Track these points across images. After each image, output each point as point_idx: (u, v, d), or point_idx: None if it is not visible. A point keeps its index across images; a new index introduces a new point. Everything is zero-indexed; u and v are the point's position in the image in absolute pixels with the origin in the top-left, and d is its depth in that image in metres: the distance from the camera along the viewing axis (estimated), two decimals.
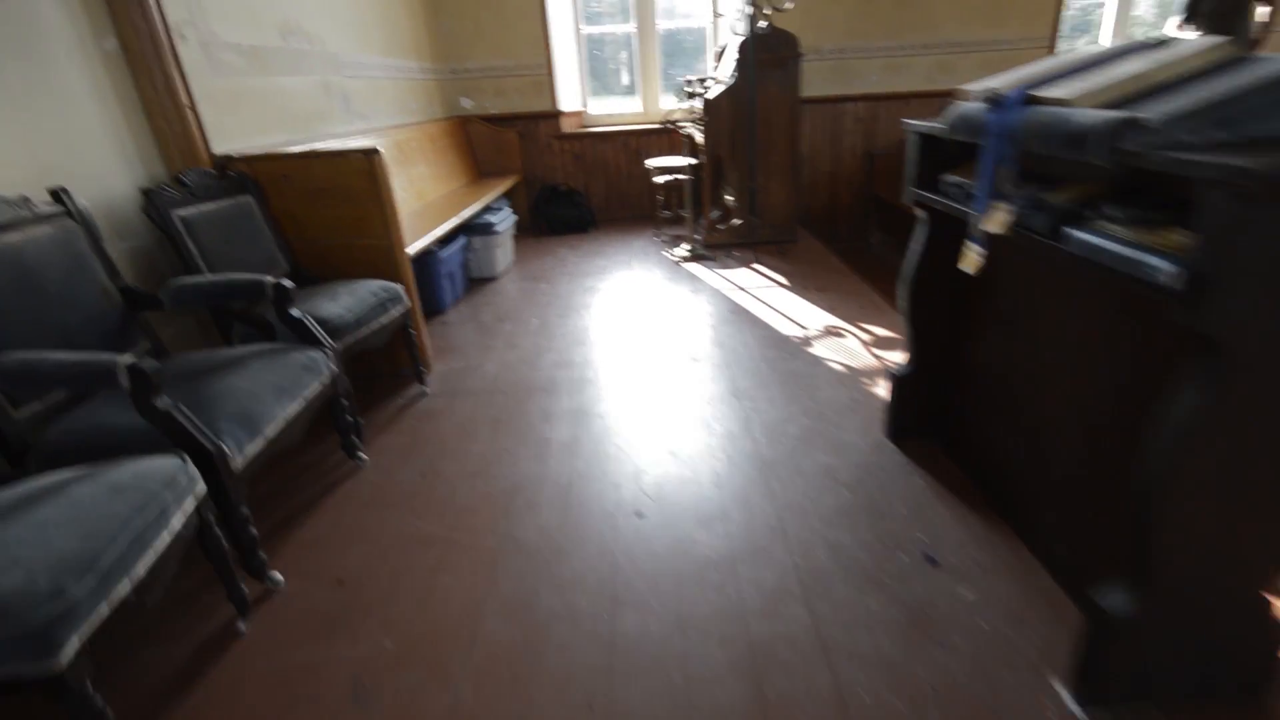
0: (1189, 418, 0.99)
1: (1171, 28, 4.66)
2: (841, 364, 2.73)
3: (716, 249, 4.48)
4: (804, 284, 3.76)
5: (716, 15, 5.14)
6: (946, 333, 1.99)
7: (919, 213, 1.89)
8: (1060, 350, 1.50)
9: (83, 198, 1.84)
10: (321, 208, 2.50)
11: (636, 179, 5.39)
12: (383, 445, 2.30)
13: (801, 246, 4.57)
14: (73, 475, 1.24)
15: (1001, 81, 1.44)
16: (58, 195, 1.73)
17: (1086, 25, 5.51)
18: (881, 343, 2.91)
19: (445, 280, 3.54)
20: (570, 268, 4.31)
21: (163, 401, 1.38)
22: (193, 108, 2.29)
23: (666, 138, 5.18)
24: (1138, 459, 1.06)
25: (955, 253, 1.79)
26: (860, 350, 2.85)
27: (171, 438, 1.39)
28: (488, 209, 4.17)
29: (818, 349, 2.89)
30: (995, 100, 1.38)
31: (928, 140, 1.74)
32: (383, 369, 2.79)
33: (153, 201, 2.01)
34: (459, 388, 2.71)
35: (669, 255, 4.42)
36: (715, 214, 4.48)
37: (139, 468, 1.28)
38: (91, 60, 2.01)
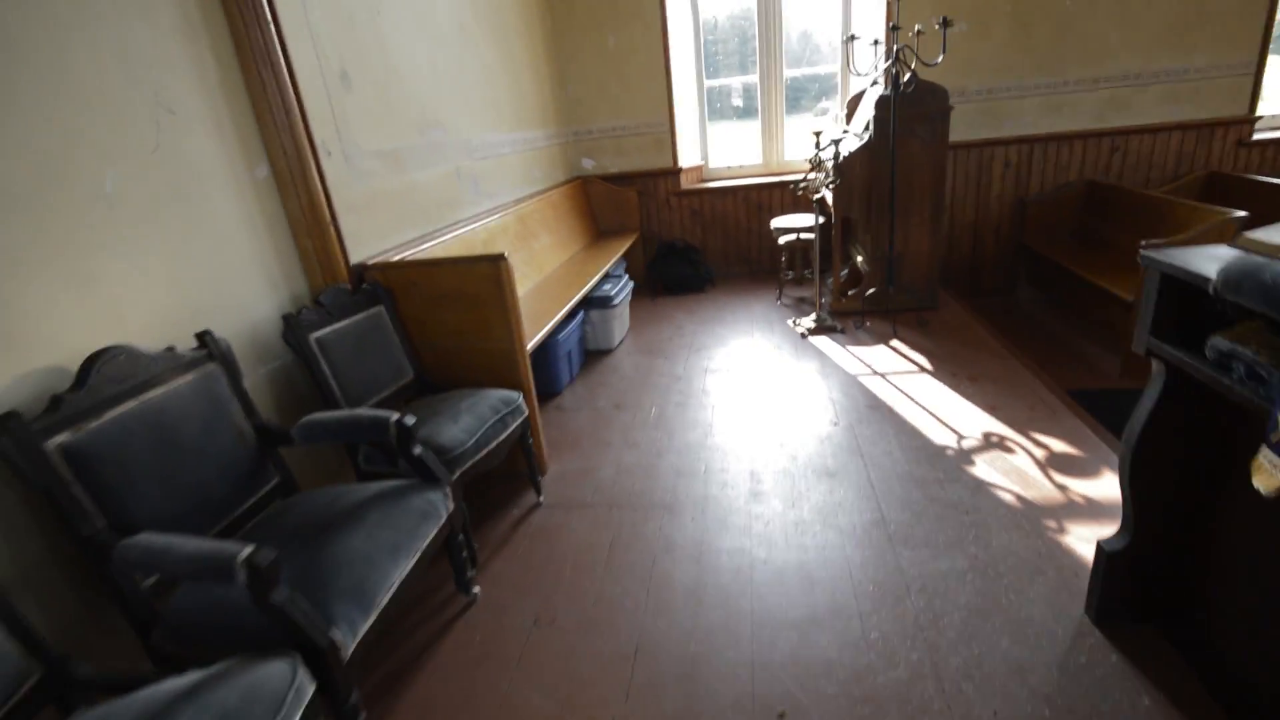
0: None
1: None
2: (1014, 494, 2.28)
3: (845, 317, 4.09)
4: (953, 369, 3.28)
5: (852, 72, 4.77)
6: (1180, 503, 1.55)
7: (1154, 362, 1.47)
8: None
9: (226, 331, 1.84)
10: (447, 312, 2.43)
11: (756, 234, 5.10)
12: (496, 573, 2.16)
13: (944, 314, 4.06)
14: (181, 689, 1.16)
15: None
16: (202, 339, 1.73)
17: None
18: (1062, 464, 2.42)
19: (563, 362, 3.43)
20: (688, 338, 4.08)
21: (278, 595, 1.28)
22: (334, 221, 2.30)
23: (790, 190, 4.85)
24: None
25: (1197, 413, 1.38)
26: (1036, 474, 2.38)
27: (286, 634, 1.29)
28: (606, 277, 4.05)
29: (981, 469, 2.45)
30: None
31: (1173, 282, 1.34)
32: (498, 476, 2.69)
33: (291, 328, 2.00)
34: (575, 498, 2.54)
35: (793, 325, 4.07)
36: (843, 274, 4.08)
37: (250, 682, 1.17)
38: (244, 190, 2.04)
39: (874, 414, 2.92)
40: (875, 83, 3.83)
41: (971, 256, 4.78)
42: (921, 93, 3.60)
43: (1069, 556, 1.97)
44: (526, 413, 2.40)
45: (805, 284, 4.70)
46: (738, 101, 5.37)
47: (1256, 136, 4.26)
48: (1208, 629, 1.52)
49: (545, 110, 4.56)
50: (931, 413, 2.89)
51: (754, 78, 5.05)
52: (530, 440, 2.44)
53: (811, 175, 3.74)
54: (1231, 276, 1.13)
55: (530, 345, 2.69)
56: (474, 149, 3.45)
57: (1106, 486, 2.26)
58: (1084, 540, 2.03)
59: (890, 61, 3.51)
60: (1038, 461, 2.45)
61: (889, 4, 4.15)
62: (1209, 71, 4.18)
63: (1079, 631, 1.72)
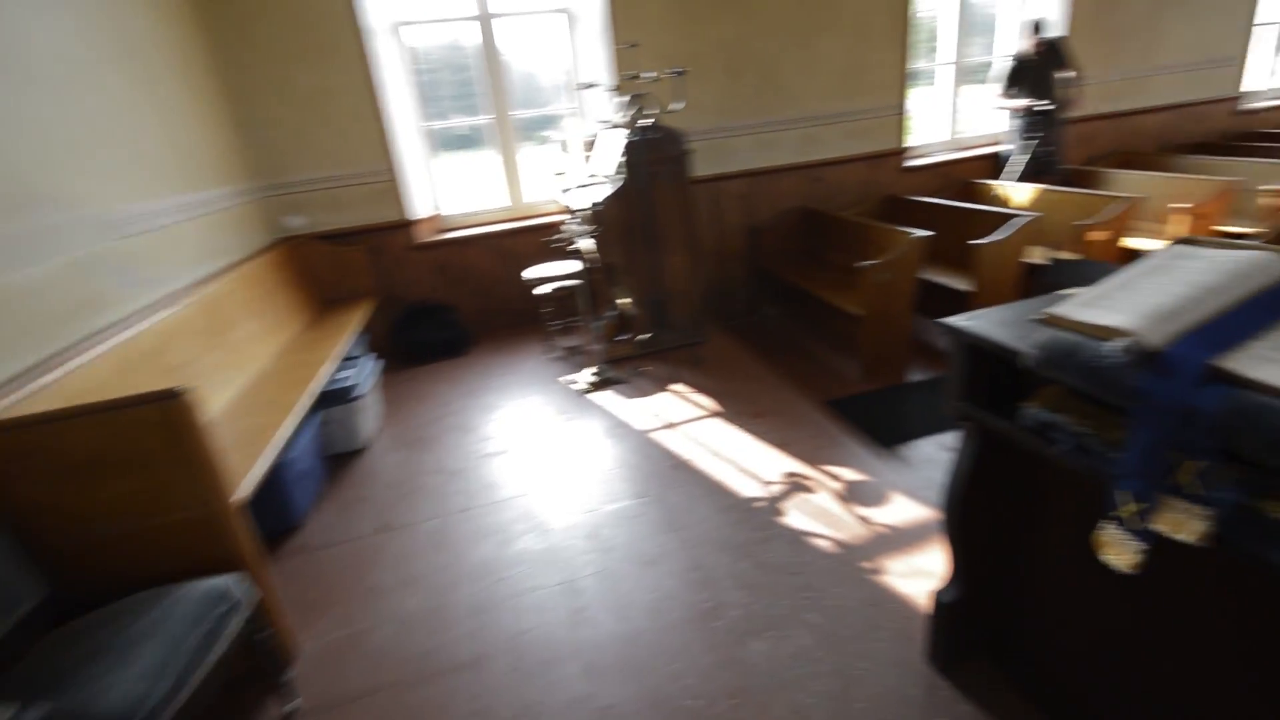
0: None
1: (994, 97, 4.94)
2: (829, 540, 2.29)
3: (621, 364, 3.96)
4: (738, 406, 3.33)
5: (587, 117, 4.70)
6: (1003, 549, 1.60)
7: (967, 424, 1.48)
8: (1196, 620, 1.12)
9: None
10: (97, 484, 1.63)
11: (512, 284, 4.75)
12: None
13: (714, 347, 4.18)
14: None
15: (1128, 317, 1.05)
16: None
17: (923, 76, 5.79)
18: (858, 495, 2.52)
19: (298, 485, 2.67)
20: (456, 415, 3.55)
21: None
22: None
23: (543, 239, 4.61)
24: None
25: (1010, 465, 1.41)
26: (840, 512, 2.43)
27: None
28: (343, 361, 3.33)
29: (793, 518, 2.43)
30: (1148, 357, 0.98)
31: (979, 352, 1.34)
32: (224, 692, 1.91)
33: None
34: (344, 688, 1.90)
35: (571, 383, 3.81)
36: (609, 316, 3.95)
37: None
38: None
39: (678, 476, 2.78)
40: (615, 126, 3.77)
41: (720, 281, 5.07)
42: (664, 139, 3.63)
43: (895, 600, 1.99)
44: (255, 596, 1.71)
45: (575, 332, 4.49)
46: (466, 132, 4.99)
47: (910, 163, 5.23)
48: (1042, 664, 1.59)
49: (226, 162, 3.63)
50: (732, 462, 2.84)
51: (484, 119, 4.70)
52: (267, 632, 1.75)
53: (566, 225, 3.53)
54: (1052, 356, 1.11)
55: (246, 491, 1.97)
56: (116, 224, 2.51)
57: (898, 511, 2.40)
58: (902, 576, 2.08)
59: (635, 109, 3.46)
60: (838, 497, 2.53)
61: (617, 53, 4.17)
62: (872, 112, 5.01)
63: (929, 686, 1.71)
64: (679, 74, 3.76)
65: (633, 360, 4.01)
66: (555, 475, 2.88)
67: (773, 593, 2.08)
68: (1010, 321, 1.32)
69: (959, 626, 1.69)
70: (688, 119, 4.38)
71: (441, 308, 4.50)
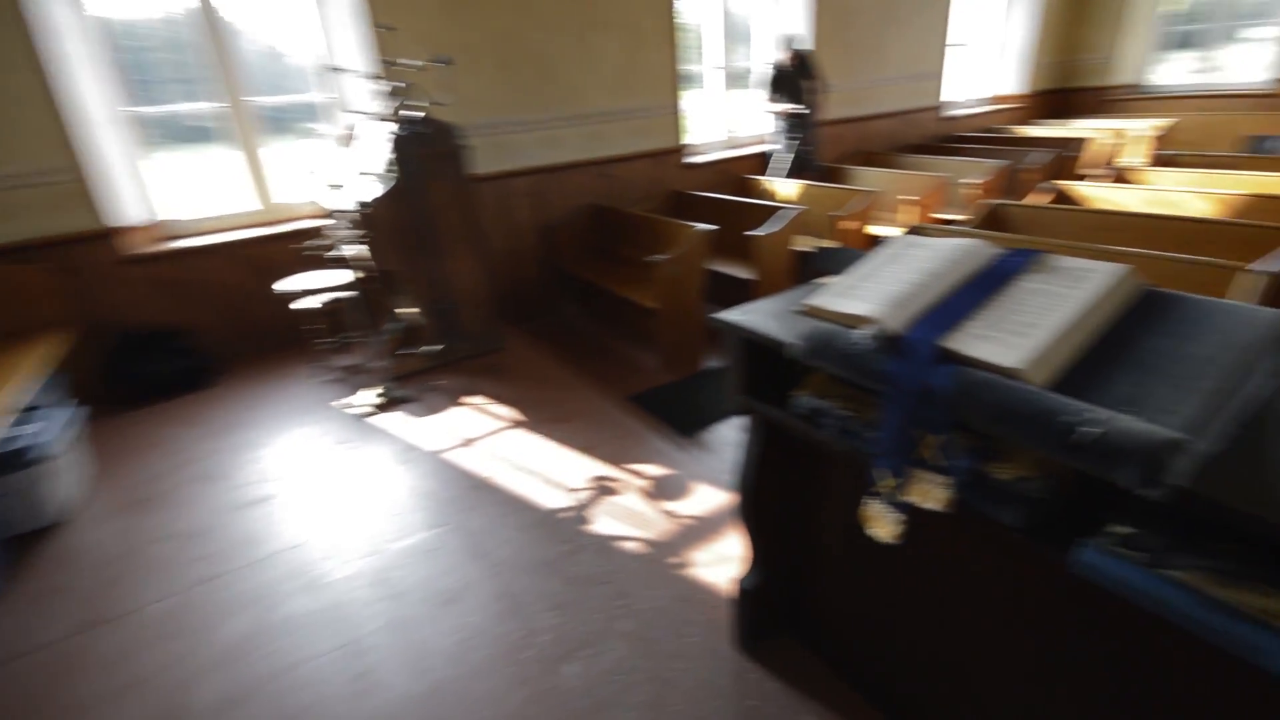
0: None
1: (762, 102, 5.42)
2: (638, 540, 2.28)
3: (409, 380, 3.63)
4: (540, 414, 3.21)
5: (344, 107, 4.19)
6: (796, 529, 1.68)
7: (752, 416, 1.52)
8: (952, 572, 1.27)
9: None
10: None
11: (269, 300, 4.11)
12: None
13: (512, 353, 4.01)
14: None
15: (873, 305, 1.11)
16: None
17: (694, 80, 6.15)
18: (663, 490, 2.55)
19: None
20: (196, 463, 2.95)
21: None
22: None
23: (301, 248, 4.04)
24: None
25: (794, 450, 1.48)
26: (647, 510, 2.44)
27: None
28: (21, 416, 2.58)
29: (601, 523, 2.38)
30: (890, 342, 1.04)
31: (753, 345, 1.36)
32: None
33: None
34: None
35: (348, 406, 3.39)
36: (392, 328, 3.59)
37: None
38: None
39: (480, 497, 2.59)
40: (379, 118, 3.41)
41: (515, 284, 4.91)
42: (435, 133, 3.36)
43: (704, 591, 2.03)
44: None
45: (351, 349, 4.01)
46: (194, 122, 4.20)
47: (690, 160, 5.53)
48: (840, 633, 1.70)
49: None
50: (537, 473, 2.72)
51: (212, 106, 3.98)
52: None
53: (328, 229, 3.11)
54: (813, 346, 1.15)
55: None
56: None
57: (702, 501, 2.46)
58: (708, 566, 2.13)
59: (398, 100, 3.14)
60: (644, 495, 2.53)
61: (377, 36, 3.76)
62: (651, 111, 5.19)
63: (738, 671, 1.75)
64: (446, 63, 3.50)
65: (423, 375, 3.69)
66: (334, 517, 2.51)
67: (584, 608, 2.01)
68: (779, 313, 1.37)
69: (762, 609, 1.76)
70: (464, 113, 4.14)
71: (171, 333, 3.73)
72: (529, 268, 4.93)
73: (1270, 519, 0.68)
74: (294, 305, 3.49)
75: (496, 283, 4.64)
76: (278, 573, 2.24)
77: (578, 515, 2.44)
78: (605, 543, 2.28)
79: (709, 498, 2.48)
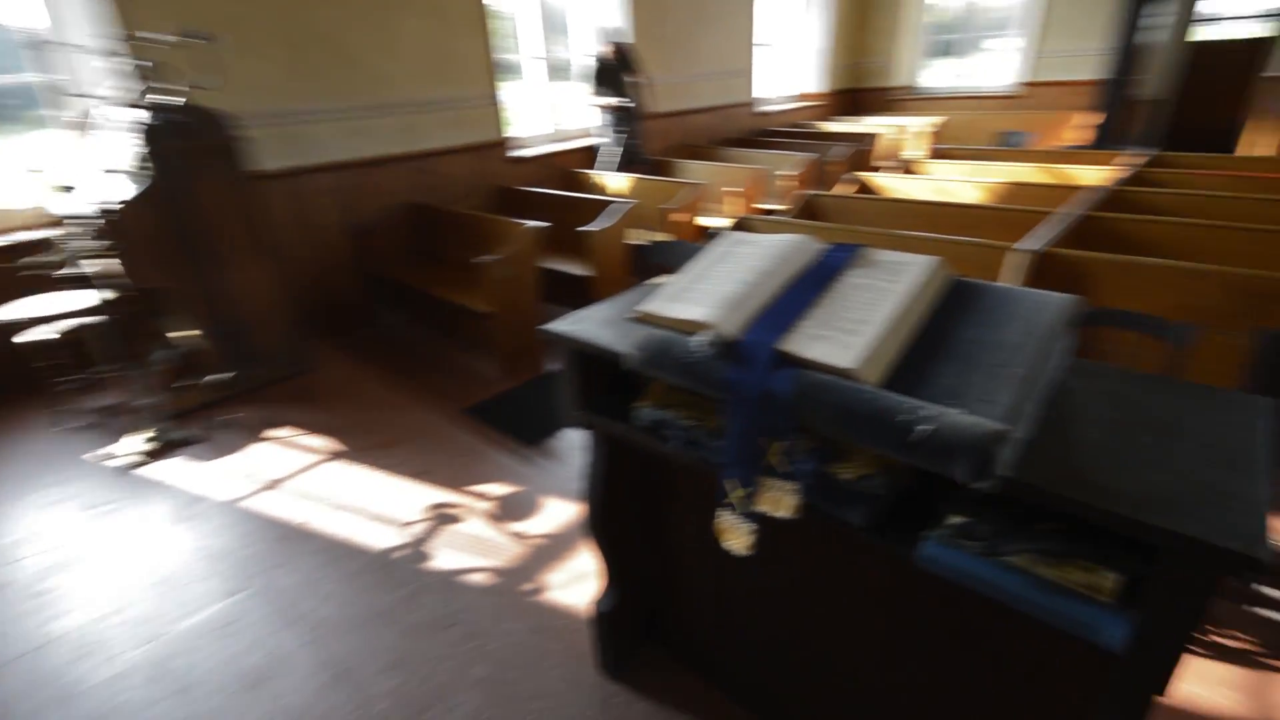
0: None
1: (587, 95, 5.37)
2: (486, 571, 2.10)
3: (193, 415, 3.08)
4: (362, 440, 2.87)
5: (55, 76, 3.42)
6: (652, 542, 1.62)
7: (592, 432, 1.42)
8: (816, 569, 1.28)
9: None
10: None
11: None
12: None
13: (326, 373, 3.57)
14: None
15: (707, 308, 1.06)
16: None
17: (514, 70, 5.94)
18: (510, 510, 2.39)
19: None
20: None
21: None
22: None
23: (22, 257, 3.26)
24: None
25: (641, 460, 1.42)
26: (494, 535, 2.26)
27: None
28: None
29: (443, 558, 2.17)
30: (728, 348, 0.99)
31: (585, 356, 1.26)
32: None
33: None
34: None
35: (106, 458, 2.79)
36: (163, 356, 3.01)
37: None
38: None
39: (289, 549, 2.24)
40: (123, 105, 2.82)
41: (322, 295, 4.40)
42: (199, 120, 2.85)
43: (562, 616, 1.91)
44: None
45: (106, 386, 3.31)
46: None
47: (515, 154, 5.32)
48: (707, 641, 1.67)
49: None
50: (361, 511, 2.42)
51: None
52: None
53: (61, 241, 2.51)
54: (649, 355, 1.07)
55: None
56: None
57: (552, 516, 2.34)
58: (564, 588, 2.02)
59: (145, 84, 2.61)
60: (490, 518, 2.35)
61: (115, 3, 3.10)
62: (468, 102, 4.90)
63: (604, 698, 1.67)
64: (204, 39, 2.98)
65: (212, 409, 3.15)
66: (91, 603, 2.03)
67: (429, 659, 1.80)
68: (612, 320, 1.28)
69: (622, 629, 1.68)
70: (241, 99, 3.59)
71: None
72: (340, 276, 4.44)
73: (1079, 499, 0.71)
74: (19, 339, 2.79)
75: (300, 295, 4.12)
76: (15, 687, 1.75)
77: (414, 552, 2.20)
78: (449, 579, 2.08)
79: (560, 512, 2.36)
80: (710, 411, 1.15)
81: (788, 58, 8.54)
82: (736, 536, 1.09)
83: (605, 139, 5.53)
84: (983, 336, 0.93)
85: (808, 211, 4.03)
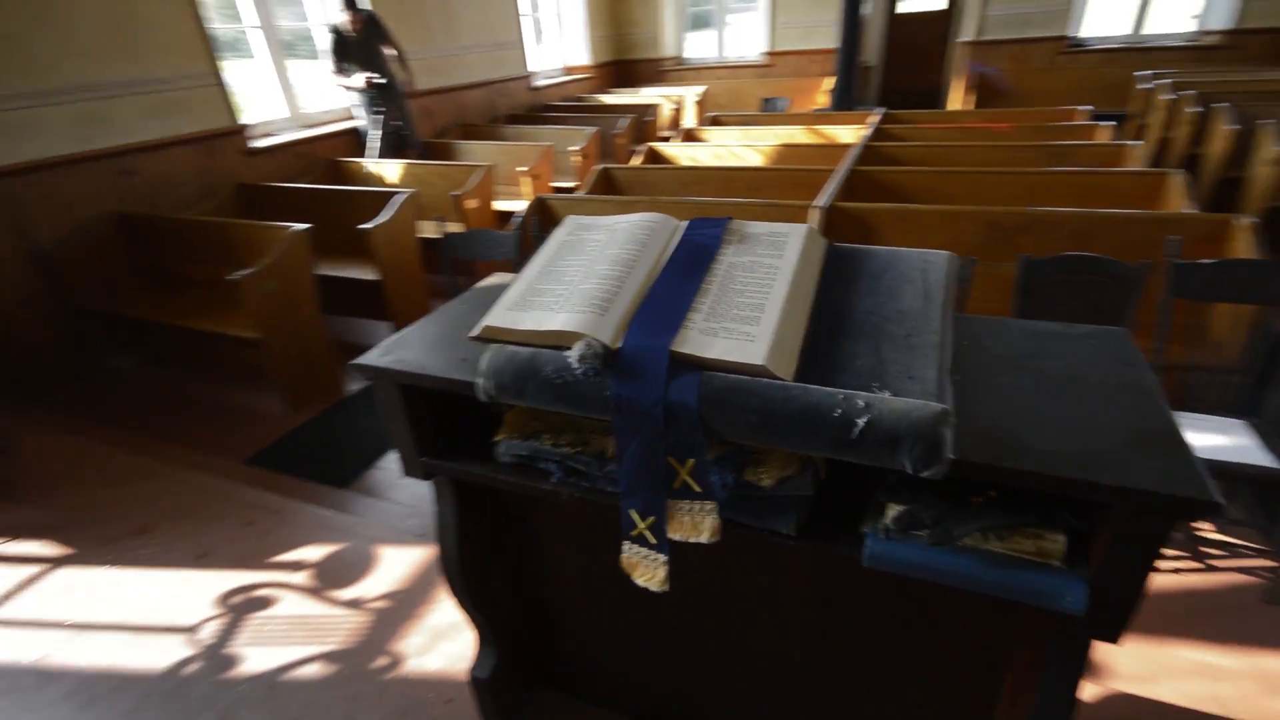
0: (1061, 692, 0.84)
1: (331, 74, 4.71)
2: (321, 658, 1.72)
3: None
4: (100, 533, 2.21)
5: None
6: (527, 578, 1.41)
7: (436, 481, 1.16)
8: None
9: None
10: None
11: None
12: None
13: (31, 450, 2.72)
14: None
15: (571, 314, 0.87)
16: None
17: (238, 46, 5.03)
18: (334, 574, 2.00)
19: None
20: None
21: None
22: None
23: None
24: None
25: (503, 502, 1.24)
26: (320, 609, 1.87)
27: None
28: None
29: (254, 658, 1.73)
30: (610, 359, 0.82)
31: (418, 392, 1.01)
32: None
33: None
34: None
35: None
36: None
37: None
38: None
39: (20, 702, 1.64)
40: None
41: (9, 349, 3.36)
42: None
43: (428, 686, 1.63)
44: None
45: None
46: None
47: (256, 144, 4.50)
48: (608, 670, 1.51)
49: None
50: (125, 625, 1.86)
51: None
52: None
53: None
54: (510, 381, 0.86)
55: None
56: None
57: (391, 568, 2.00)
58: (425, 651, 1.72)
59: None
60: (310, 590, 1.94)
61: None
62: (178, 83, 4.00)
63: None
64: None
65: None
66: None
67: None
68: (445, 340, 1.04)
69: (508, 688, 1.46)
70: None
71: None
72: (24, 319, 3.42)
73: (1032, 470, 0.67)
74: None
75: None
76: None
77: (213, 662, 1.73)
78: (272, 683, 1.67)
79: (400, 560, 2.03)
80: (592, 430, 0.98)
81: (553, 28, 8.38)
82: (648, 572, 0.94)
83: (364, 122, 4.94)
84: (880, 306, 0.87)
85: (604, 186, 3.95)
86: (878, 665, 1.12)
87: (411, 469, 1.10)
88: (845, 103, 6.94)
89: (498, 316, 0.93)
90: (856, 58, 6.96)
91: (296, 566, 2.03)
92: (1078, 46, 7.52)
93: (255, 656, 1.74)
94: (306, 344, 3.14)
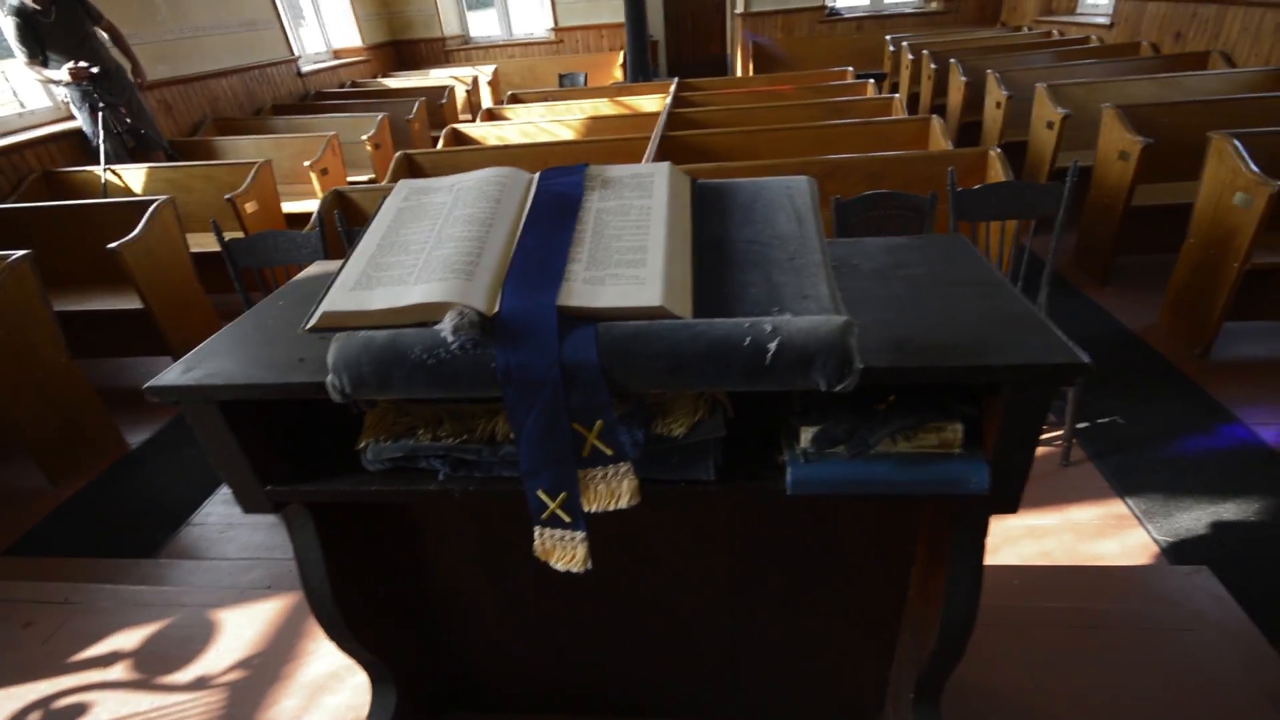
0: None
1: (26, 67, 3.83)
2: None
3: None
4: None
5: None
6: (418, 599, 1.26)
7: (290, 512, 0.98)
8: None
9: None
10: None
11: None
12: None
13: None
14: None
15: (432, 283, 0.76)
16: None
17: None
18: (163, 658, 1.65)
19: None
20: None
21: None
22: None
23: None
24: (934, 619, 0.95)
25: (368, 517, 1.12)
26: (156, 703, 1.53)
27: None
28: None
29: None
30: (489, 325, 0.73)
31: (253, 409, 0.83)
32: None
33: None
34: None
35: None
36: None
37: None
38: None
39: None
40: None
41: None
42: None
43: None
44: None
45: None
46: None
47: None
48: (524, 672, 1.40)
49: None
50: None
51: None
52: None
53: None
54: (372, 371, 0.73)
55: None
56: None
57: (237, 630, 1.70)
58: (303, 710, 1.49)
59: None
60: (135, 685, 1.58)
61: None
62: None
63: None
64: None
65: None
66: None
67: None
68: (264, 343, 0.87)
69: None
70: None
71: None
72: None
73: (933, 365, 0.70)
74: None
75: None
76: None
77: None
78: None
79: (245, 621, 1.72)
80: (474, 415, 0.87)
81: (310, 6, 7.58)
82: (567, 553, 0.87)
83: (85, 123, 4.11)
84: (759, 234, 0.86)
85: (407, 173, 3.67)
86: (794, 588, 1.15)
87: (253, 503, 0.91)
88: (640, 74, 7.11)
89: (338, 300, 0.78)
90: (646, 30, 7.15)
91: (109, 661, 1.65)
92: (834, 16, 8.38)
93: None
94: (60, 398, 2.56)
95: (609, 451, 0.79)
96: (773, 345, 0.68)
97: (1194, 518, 1.99)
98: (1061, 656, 1.46)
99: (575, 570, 0.87)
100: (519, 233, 0.86)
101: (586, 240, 0.82)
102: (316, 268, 1.13)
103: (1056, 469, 2.23)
